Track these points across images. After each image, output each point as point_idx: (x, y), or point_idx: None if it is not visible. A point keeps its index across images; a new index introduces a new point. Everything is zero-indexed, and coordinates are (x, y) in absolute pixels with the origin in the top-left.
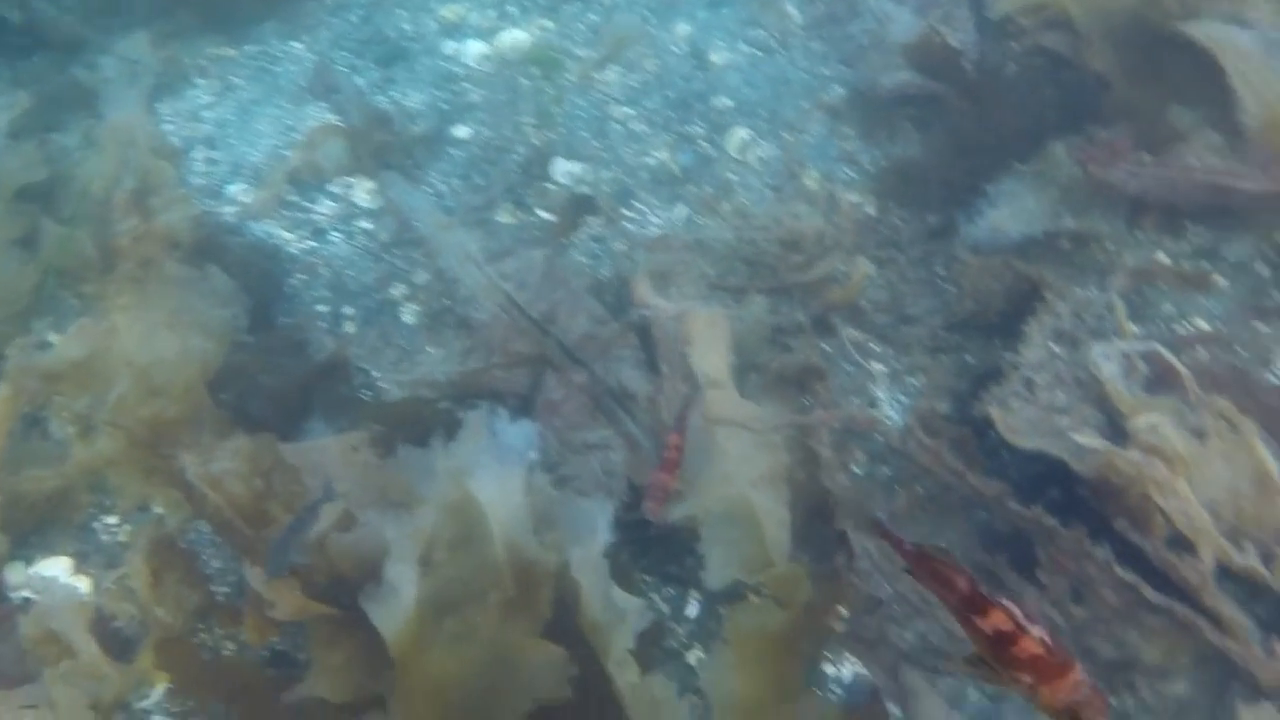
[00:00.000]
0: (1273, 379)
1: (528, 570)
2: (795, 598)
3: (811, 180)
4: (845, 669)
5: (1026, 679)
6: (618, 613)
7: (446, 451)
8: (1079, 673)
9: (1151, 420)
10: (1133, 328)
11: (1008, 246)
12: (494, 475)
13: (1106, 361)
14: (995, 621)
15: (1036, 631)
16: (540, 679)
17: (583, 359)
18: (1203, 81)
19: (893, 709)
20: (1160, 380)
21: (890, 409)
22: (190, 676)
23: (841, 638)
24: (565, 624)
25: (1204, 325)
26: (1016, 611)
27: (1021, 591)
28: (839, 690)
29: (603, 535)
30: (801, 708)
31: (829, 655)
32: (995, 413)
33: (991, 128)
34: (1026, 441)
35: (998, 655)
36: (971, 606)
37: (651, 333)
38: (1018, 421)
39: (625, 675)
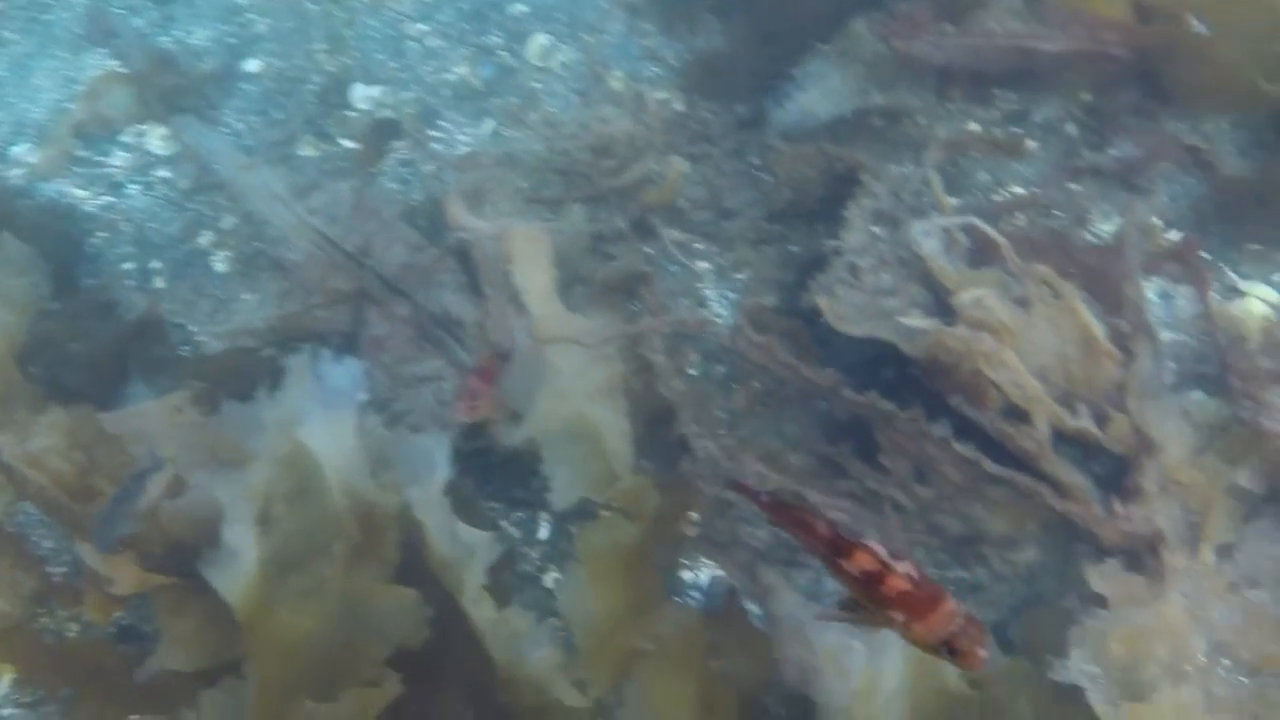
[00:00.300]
0: (1090, 238)
1: (369, 515)
2: (644, 510)
3: (617, 81)
4: (702, 573)
5: (899, 617)
6: (465, 549)
7: (272, 402)
8: (950, 603)
9: (975, 294)
10: (950, 200)
11: (819, 129)
12: (324, 421)
13: (927, 238)
14: (860, 562)
15: (902, 568)
16: (395, 624)
17: (404, 289)
18: None
19: (752, 608)
20: (982, 252)
21: (719, 306)
22: (36, 663)
23: (695, 542)
24: (415, 565)
25: (1020, 191)
26: (880, 550)
27: (866, 478)
28: (697, 594)
29: (442, 470)
30: (661, 618)
31: (684, 561)
32: (822, 302)
33: (791, 11)
34: (855, 328)
35: (867, 596)
36: (835, 550)
37: (471, 255)
38: (845, 308)
39: (481, 611)
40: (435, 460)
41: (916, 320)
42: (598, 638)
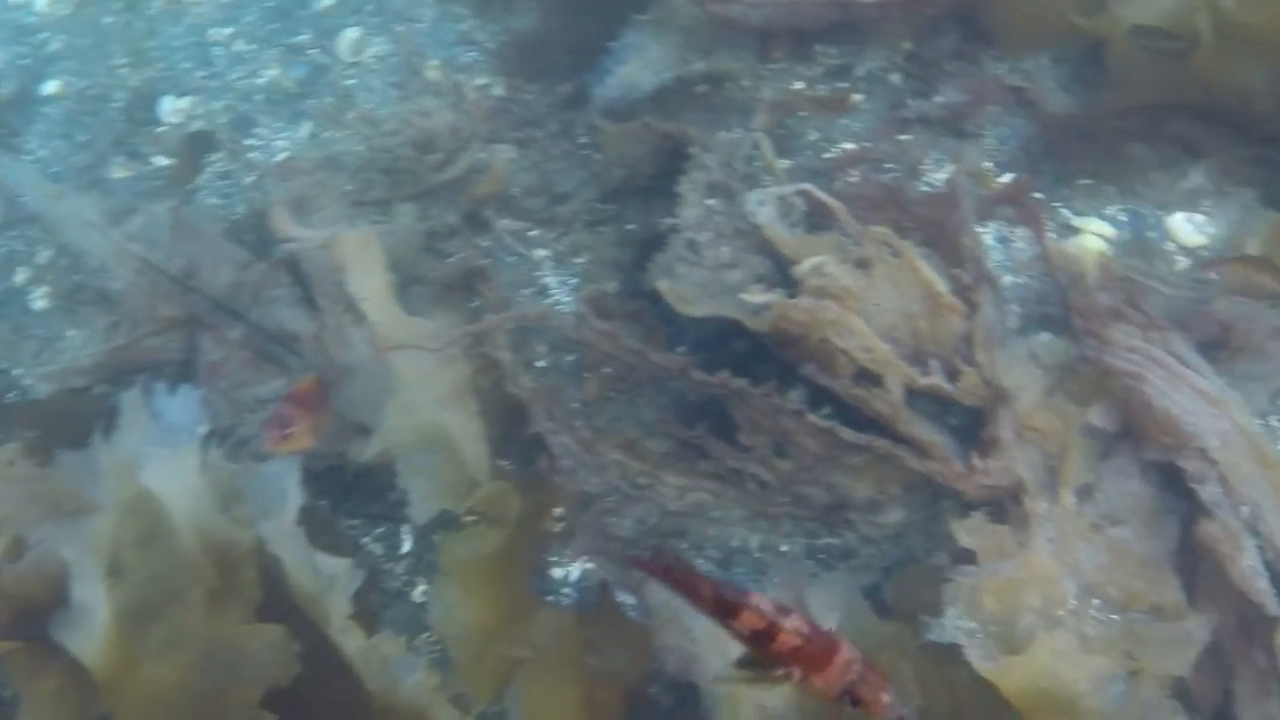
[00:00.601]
0: (924, 188)
1: (224, 555)
2: (507, 514)
3: (433, 70)
4: (572, 568)
5: (795, 672)
6: (326, 580)
7: (109, 446)
8: (845, 652)
9: (815, 262)
10: (782, 163)
11: (642, 101)
12: (165, 461)
13: (762, 207)
14: (747, 622)
15: (791, 623)
16: (264, 663)
17: (236, 309)
18: None
19: (626, 598)
20: (819, 215)
21: (561, 293)
22: None
23: (561, 538)
24: (278, 600)
25: (850, 146)
26: (766, 606)
27: (726, 456)
28: (569, 591)
29: (294, 498)
30: (535, 623)
31: (553, 559)
32: (663, 285)
33: None
34: (698, 309)
35: (762, 654)
36: (721, 611)
37: (302, 266)
38: (686, 289)
39: (350, 641)
40: (286, 488)
41: (758, 295)
42: (473, 650)
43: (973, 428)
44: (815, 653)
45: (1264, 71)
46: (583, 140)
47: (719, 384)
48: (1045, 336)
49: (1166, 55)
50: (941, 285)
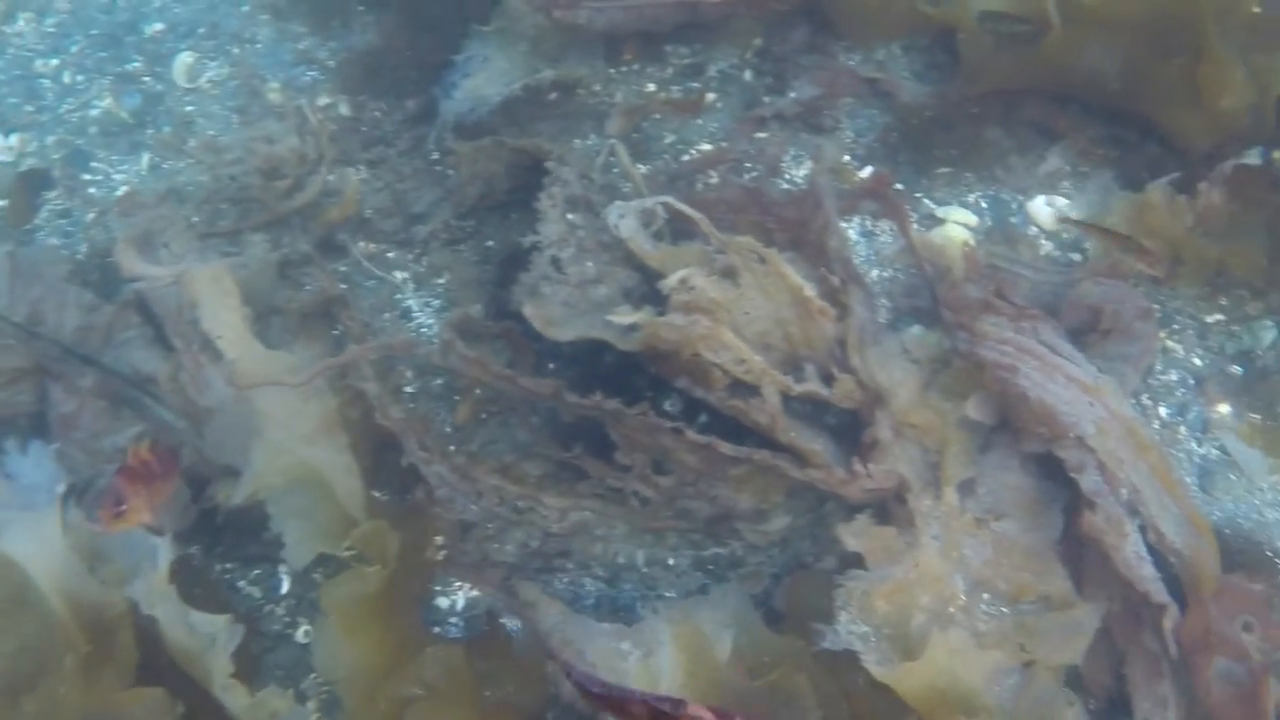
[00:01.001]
0: (785, 185)
1: (96, 618)
2: (387, 552)
3: (274, 93)
4: (458, 597)
5: None
6: (204, 638)
7: None
8: None
9: (681, 276)
10: (639, 168)
11: (492, 113)
12: (25, 525)
13: (623, 220)
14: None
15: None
16: None
17: (86, 355)
18: None
19: (514, 624)
20: (683, 222)
21: (424, 315)
22: None
23: (444, 567)
24: (157, 660)
25: (707, 147)
26: (705, 714)
27: (605, 476)
28: (457, 620)
29: (164, 554)
30: (424, 660)
31: (437, 588)
32: (528, 309)
33: None
34: (565, 332)
35: None
36: None
37: (152, 305)
38: (552, 310)
39: (234, 700)
40: (155, 544)
41: (626, 316)
42: (363, 693)
43: (852, 426)
44: None
45: (1113, 52)
46: (435, 157)
47: (593, 406)
48: (916, 330)
49: (1017, 40)
50: (810, 290)
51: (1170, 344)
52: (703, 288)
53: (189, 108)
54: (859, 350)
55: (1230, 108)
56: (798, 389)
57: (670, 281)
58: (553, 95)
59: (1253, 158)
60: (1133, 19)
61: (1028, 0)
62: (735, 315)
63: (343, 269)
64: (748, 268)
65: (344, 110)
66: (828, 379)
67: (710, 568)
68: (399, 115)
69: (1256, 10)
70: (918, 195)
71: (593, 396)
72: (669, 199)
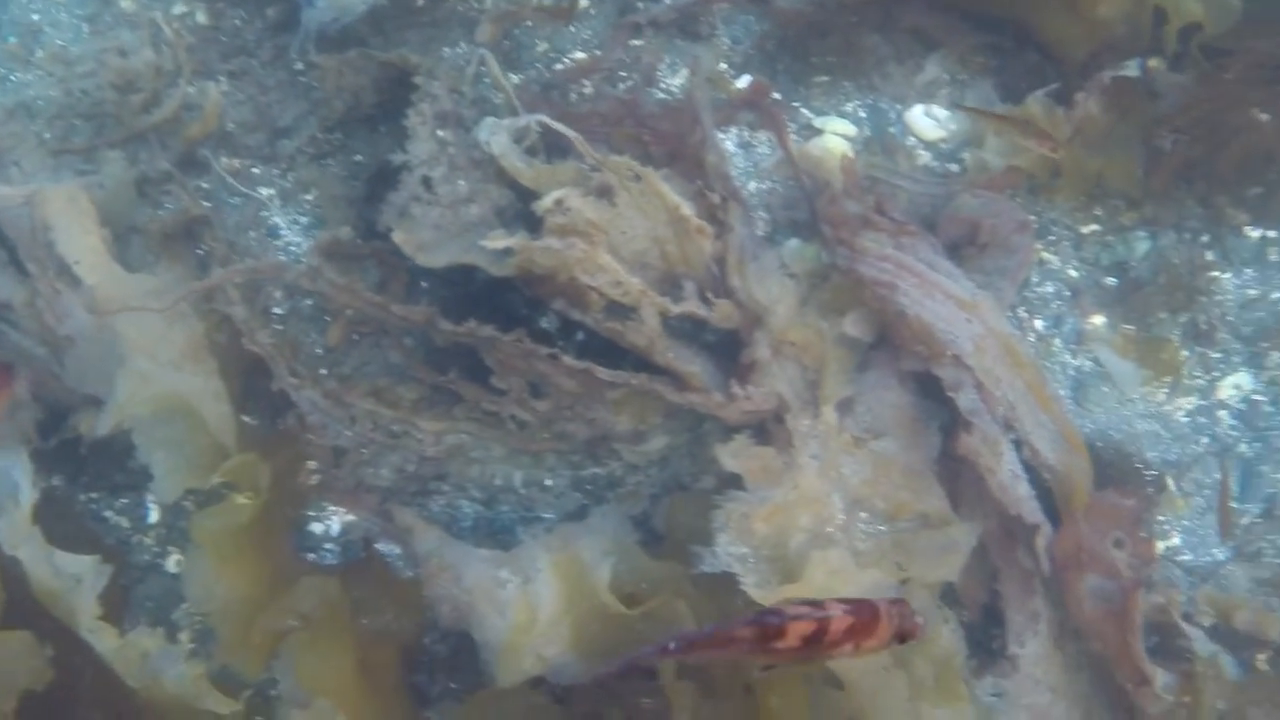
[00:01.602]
0: (660, 95)
1: None
2: (259, 483)
3: (127, 1)
4: (332, 522)
5: (848, 649)
6: (70, 579)
7: None
8: (881, 606)
9: (556, 197)
10: (511, 78)
11: (358, 22)
12: None
13: (495, 137)
14: (798, 631)
15: (831, 611)
16: (14, 672)
17: None
18: None
19: (391, 549)
20: (558, 136)
21: (292, 234)
22: None
23: (319, 492)
24: (22, 602)
25: (581, 56)
26: (801, 609)
27: (482, 400)
28: (332, 547)
29: (25, 492)
30: (299, 592)
31: (311, 514)
32: (398, 235)
33: None
34: (437, 258)
35: (813, 655)
36: (766, 639)
37: (4, 228)
38: (423, 234)
39: (103, 642)
40: (16, 481)
41: (499, 240)
42: (236, 625)
43: (732, 343)
44: (863, 623)
45: None
46: (300, 68)
47: (466, 334)
48: (795, 243)
49: None
50: (687, 208)
51: (1047, 255)
52: (578, 209)
53: (35, 16)
54: (738, 269)
55: (1107, 16)
56: (676, 310)
57: (545, 203)
58: (421, 2)
59: (1130, 68)
60: None
61: None
62: (612, 236)
63: (205, 186)
64: (624, 186)
65: (201, 18)
66: (706, 297)
67: (589, 488)
68: (260, 23)
69: None
70: (795, 104)
71: (466, 323)
72: (542, 117)
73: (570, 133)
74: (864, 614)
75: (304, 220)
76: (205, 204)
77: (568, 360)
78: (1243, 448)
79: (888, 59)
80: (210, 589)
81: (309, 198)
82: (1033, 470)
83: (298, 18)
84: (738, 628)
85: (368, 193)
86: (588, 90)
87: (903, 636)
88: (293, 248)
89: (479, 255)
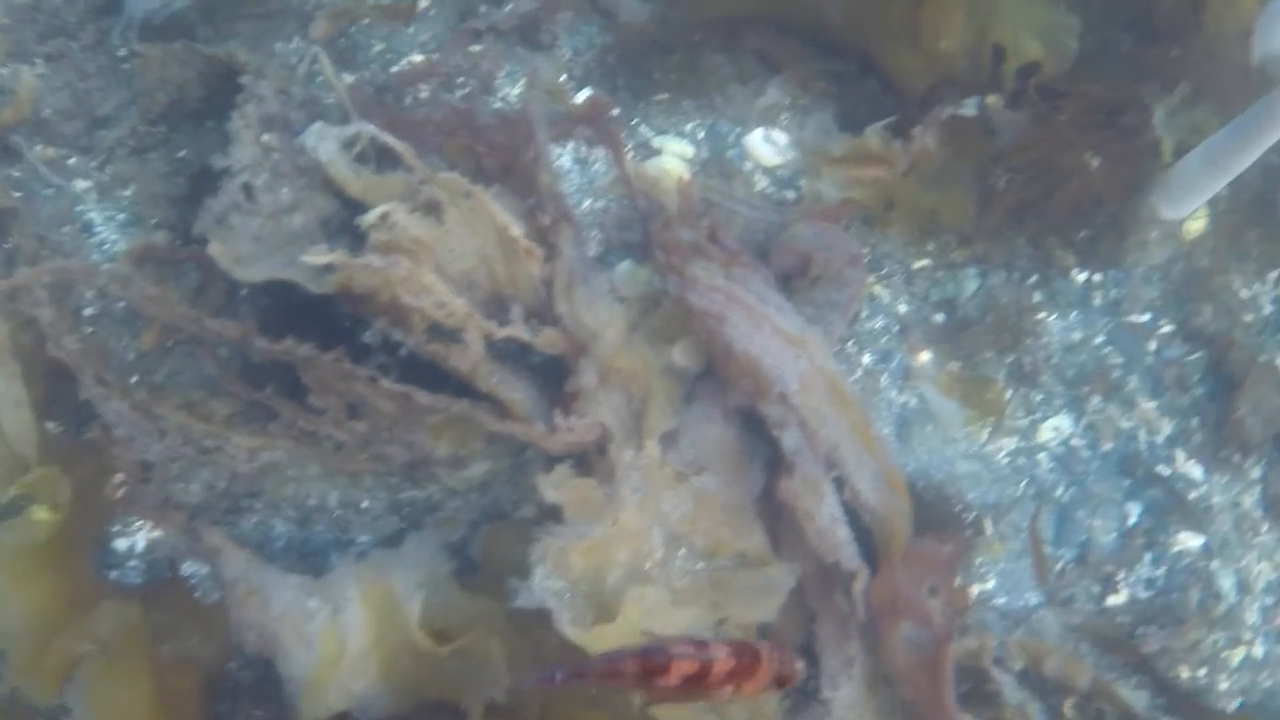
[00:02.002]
0: (498, 103)
1: None
2: (60, 497)
3: None
4: (138, 538)
5: (728, 690)
6: None
7: None
8: (763, 650)
9: (381, 212)
10: (345, 78)
11: (182, 12)
12: None
13: (323, 144)
14: (680, 670)
15: (719, 651)
16: None
17: None
18: None
19: (199, 569)
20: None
21: (107, 230)
22: None
23: (124, 507)
24: None
25: (418, 58)
26: (688, 648)
27: (298, 418)
28: (136, 564)
29: None
30: (99, 615)
31: (116, 529)
32: (215, 248)
33: None
34: (255, 272)
35: (694, 695)
36: (650, 675)
37: None
38: (241, 245)
39: None
40: None
41: (320, 256)
42: (30, 648)
43: (558, 365)
44: (744, 665)
45: None
46: (123, 54)
47: (283, 352)
48: (627, 265)
49: None
50: (517, 229)
51: (878, 289)
52: (404, 225)
53: None
54: (565, 293)
55: (948, 50)
56: (500, 334)
57: (370, 218)
58: None
59: (968, 106)
60: None
61: None
62: (439, 254)
63: (16, 175)
64: (453, 203)
65: None
66: (535, 318)
67: (406, 511)
68: (82, 4)
69: None
70: (635, 121)
71: (284, 341)
72: (372, 127)
73: (399, 146)
74: (746, 657)
75: (121, 217)
76: (15, 195)
77: (386, 384)
78: (1060, 492)
79: (730, 79)
80: (4, 609)
81: (127, 193)
82: (853, 511)
83: (121, 1)
84: (622, 661)
85: (190, 191)
86: (424, 95)
87: (781, 681)
88: (109, 245)
89: (298, 271)
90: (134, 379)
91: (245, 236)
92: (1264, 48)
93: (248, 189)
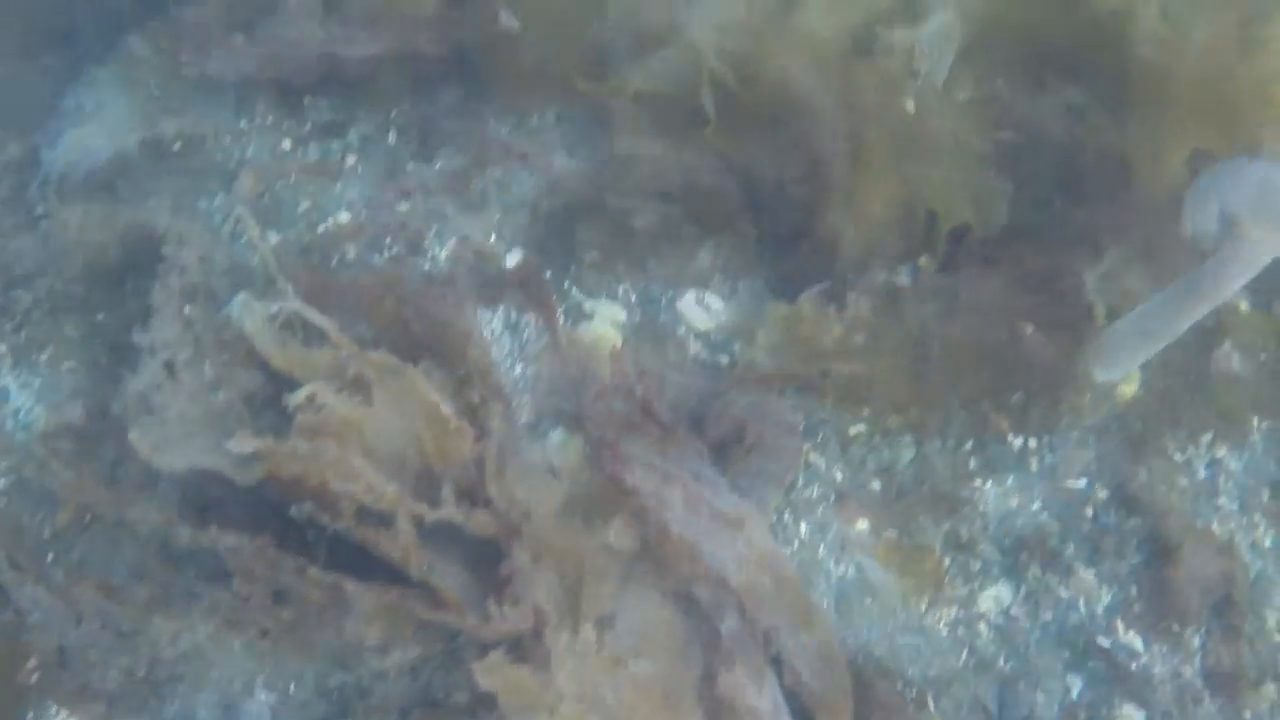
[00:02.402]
0: (426, 264)
1: None
2: None
3: None
4: None
5: None
6: None
7: None
8: None
9: (307, 391)
10: (270, 237)
11: (104, 169)
12: None
13: (249, 316)
14: None
15: None
16: None
17: None
18: None
19: None
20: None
21: (24, 397)
22: None
23: (41, 692)
24: None
25: (345, 217)
26: None
27: (222, 605)
28: None
29: None
30: None
31: (30, 716)
32: (133, 434)
33: (54, 28)
34: (176, 459)
35: None
36: None
37: None
38: (162, 431)
39: None
40: None
41: (244, 444)
42: None
43: (490, 543)
44: None
45: (771, 150)
46: (42, 211)
47: (207, 539)
48: (559, 434)
49: (674, 127)
50: (447, 408)
51: (814, 457)
52: (332, 406)
53: None
54: (496, 476)
55: (882, 216)
56: (432, 516)
57: (296, 398)
58: (176, 148)
59: (902, 273)
60: (790, 118)
61: (686, 86)
62: (367, 435)
63: None
64: (382, 381)
65: None
66: (466, 498)
67: (335, 696)
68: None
69: (911, 111)
70: (566, 284)
71: (208, 530)
72: (299, 304)
73: (325, 324)
74: None
75: (37, 382)
76: None
77: (315, 572)
78: (1001, 663)
79: (662, 240)
80: None
81: (44, 357)
82: (794, 696)
83: (39, 157)
84: None
85: (110, 359)
86: (350, 255)
87: None
88: (24, 414)
89: (221, 459)
90: (49, 558)
91: (166, 419)
92: (1192, 225)
93: (169, 367)
